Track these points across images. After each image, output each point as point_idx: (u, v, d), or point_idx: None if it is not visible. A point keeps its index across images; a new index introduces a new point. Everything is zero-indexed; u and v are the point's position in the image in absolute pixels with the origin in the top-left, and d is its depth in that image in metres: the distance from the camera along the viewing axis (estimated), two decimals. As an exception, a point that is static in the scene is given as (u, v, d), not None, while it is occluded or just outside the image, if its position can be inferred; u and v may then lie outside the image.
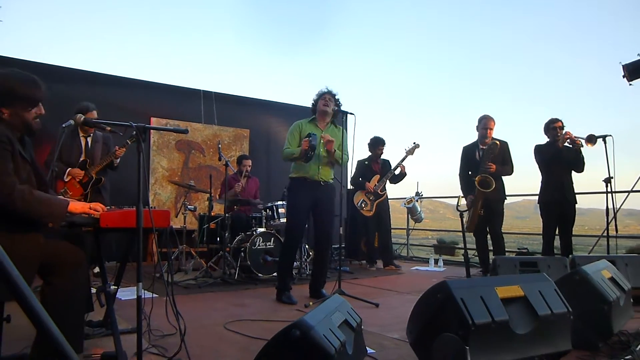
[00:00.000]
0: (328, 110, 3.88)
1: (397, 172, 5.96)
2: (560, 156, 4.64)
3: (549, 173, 4.80)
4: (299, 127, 3.90)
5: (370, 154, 6.19)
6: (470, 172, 4.97)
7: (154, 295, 3.00)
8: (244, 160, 5.82)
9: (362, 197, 6.03)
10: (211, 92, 7.19)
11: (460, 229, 4.54)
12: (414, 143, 5.91)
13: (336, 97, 3.95)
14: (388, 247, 6.27)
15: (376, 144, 6.11)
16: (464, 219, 4.61)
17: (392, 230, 6.48)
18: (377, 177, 6.06)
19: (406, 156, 5.92)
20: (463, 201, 4.91)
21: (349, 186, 6.92)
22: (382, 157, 6.18)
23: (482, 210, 4.76)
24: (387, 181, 6.02)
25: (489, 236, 4.95)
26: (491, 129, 4.88)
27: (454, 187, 5.19)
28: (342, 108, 3.95)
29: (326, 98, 3.90)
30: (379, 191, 6.00)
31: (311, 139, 3.68)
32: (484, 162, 4.71)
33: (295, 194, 3.82)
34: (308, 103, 4.07)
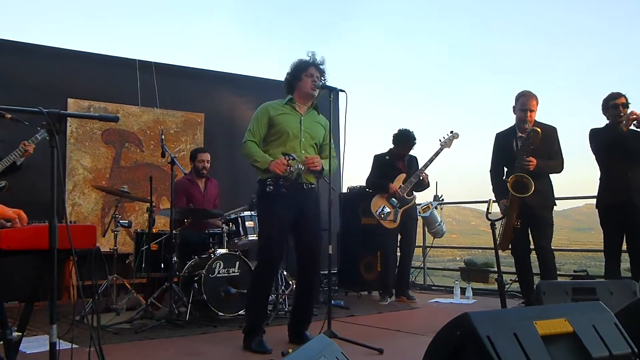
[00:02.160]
0: (315, 94, 3.98)
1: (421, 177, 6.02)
2: (623, 143, 4.62)
3: (609, 167, 4.83)
4: (267, 112, 3.94)
5: (392, 146, 6.24)
6: (506, 169, 5.03)
7: (73, 345, 2.96)
8: (199, 154, 5.83)
9: (384, 203, 6.06)
10: (150, 62, 7.17)
11: (493, 245, 4.49)
12: (451, 132, 5.94)
13: (324, 70, 4.02)
14: (407, 272, 6.34)
15: (402, 141, 6.15)
16: (497, 231, 4.64)
17: None
18: (402, 175, 6.10)
19: (441, 150, 5.97)
20: (496, 207, 4.94)
21: (343, 189, 7.06)
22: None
23: (518, 222, 4.81)
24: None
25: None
26: (532, 111, 4.89)
27: (487, 188, 5.19)
28: (330, 84, 3.99)
29: (314, 75, 3.95)
30: (405, 195, 6.03)
31: (290, 160, 3.75)
32: (521, 156, 4.75)
33: (270, 201, 3.87)
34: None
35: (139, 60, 7.11)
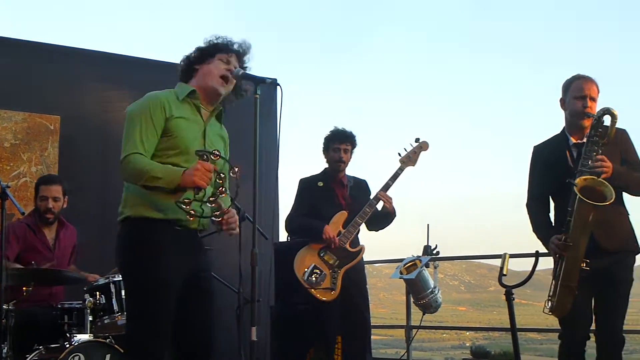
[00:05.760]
0: (223, 91, 3.40)
1: (379, 205, 5.15)
2: None
3: None
4: (162, 107, 3.23)
5: (326, 164, 5.41)
6: (552, 197, 4.19)
7: None
8: (41, 187, 5.00)
9: (314, 261, 5.19)
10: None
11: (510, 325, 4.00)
12: (417, 140, 5.21)
13: (246, 56, 3.52)
14: None
15: (333, 142, 5.30)
16: (557, 300, 3.80)
17: (372, 330, 5.52)
18: (343, 214, 5.24)
19: (402, 170, 5.21)
20: (516, 265, 4.50)
21: (281, 236, 6.27)
22: (349, 172, 5.47)
23: (585, 264, 3.87)
24: (364, 223, 5.20)
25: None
26: (593, 99, 4.12)
27: (521, 233, 4.26)
28: (253, 72, 3.45)
29: (231, 63, 3.43)
30: (347, 246, 5.13)
31: (211, 157, 3.09)
32: (589, 153, 3.92)
33: (154, 255, 3.15)
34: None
35: None
